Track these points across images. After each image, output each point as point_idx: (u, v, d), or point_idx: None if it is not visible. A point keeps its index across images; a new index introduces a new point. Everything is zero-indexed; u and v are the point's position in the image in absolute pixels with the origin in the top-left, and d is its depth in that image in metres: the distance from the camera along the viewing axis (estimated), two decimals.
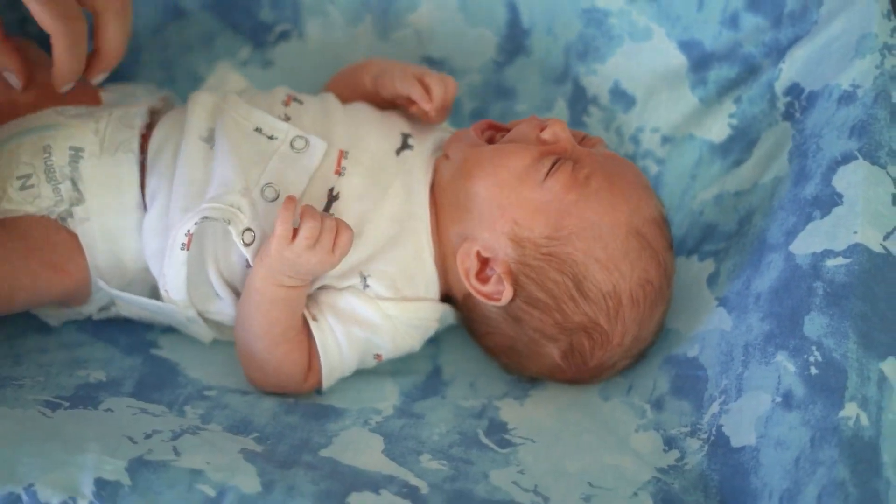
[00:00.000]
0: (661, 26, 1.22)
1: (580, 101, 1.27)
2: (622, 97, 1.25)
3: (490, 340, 1.17)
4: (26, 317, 1.19)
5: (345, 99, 1.21)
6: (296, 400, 1.15)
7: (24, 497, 0.96)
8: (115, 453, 1.00)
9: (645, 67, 1.23)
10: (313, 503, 0.97)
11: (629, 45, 1.23)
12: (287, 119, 1.15)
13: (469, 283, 1.12)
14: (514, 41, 1.27)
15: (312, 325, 1.12)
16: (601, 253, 1.09)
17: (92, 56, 1.12)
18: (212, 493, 0.97)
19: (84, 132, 1.13)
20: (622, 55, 1.24)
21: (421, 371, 1.20)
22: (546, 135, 1.11)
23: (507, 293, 1.10)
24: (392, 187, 1.13)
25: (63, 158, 1.11)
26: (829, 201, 1.06)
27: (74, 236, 1.12)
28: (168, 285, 1.12)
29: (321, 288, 1.13)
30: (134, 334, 1.20)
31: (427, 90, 1.16)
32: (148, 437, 1.04)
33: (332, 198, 1.12)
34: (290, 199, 1.05)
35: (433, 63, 1.30)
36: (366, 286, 1.11)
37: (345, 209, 1.12)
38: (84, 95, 1.18)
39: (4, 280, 1.10)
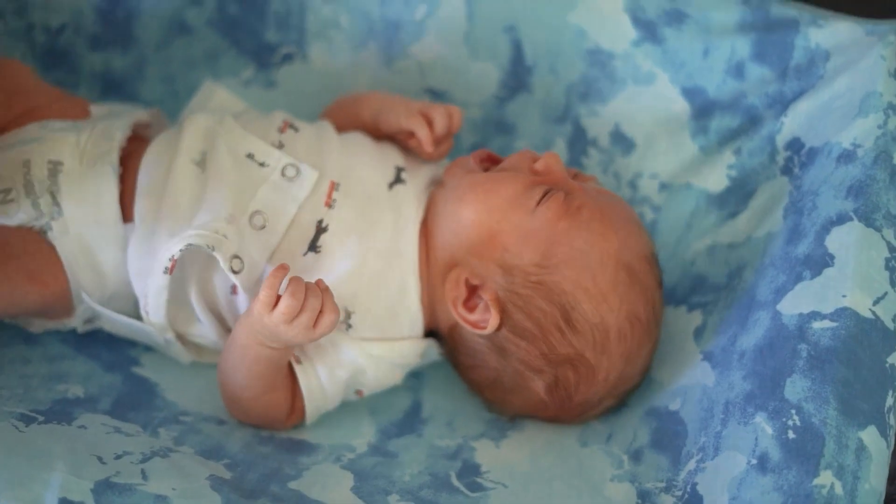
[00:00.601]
0: (665, 71, 1.20)
1: (580, 141, 1.25)
2: (622, 140, 1.23)
3: (475, 374, 1.16)
4: (13, 326, 1.19)
5: (342, 128, 1.20)
6: (270, 434, 1.15)
7: None
8: (82, 473, 1.00)
9: (647, 112, 1.22)
10: None
11: (632, 88, 1.22)
12: (280, 146, 1.14)
13: (456, 311, 1.11)
14: (517, 78, 1.26)
15: (297, 367, 1.11)
16: (590, 283, 1.08)
17: None
18: None
19: (63, 145, 1.12)
20: (624, 98, 1.23)
21: (400, 407, 1.19)
22: (539, 165, 1.11)
23: (494, 321, 1.09)
24: (381, 222, 1.12)
25: (42, 172, 1.10)
26: (820, 262, 1.04)
27: (54, 249, 1.12)
28: (149, 306, 1.11)
29: None
30: (117, 350, 1.19)
31: (430, 123, 1.15)
32: (118, 457, 1.03)
33: (320, 229, 1.11)
34: (282, 267, 1.02)
35: (435, 95, 1.29)
36: (349, 326, 1.10)
37: (332, 242, 1.11)
38: (72, 109, 1.18)
39: None
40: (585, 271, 1.08)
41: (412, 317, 1.13)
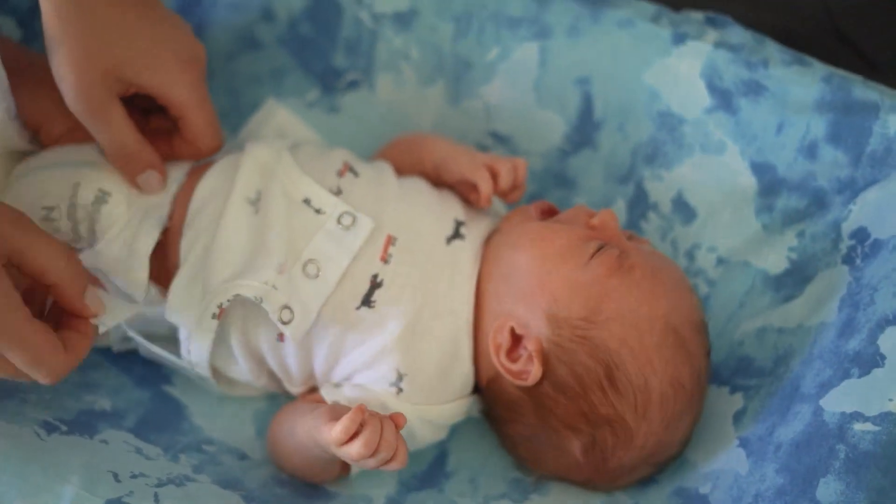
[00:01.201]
0: (735, 143, 1.16)
1: (640, 204, 1.22)
2: (684, 209, 1.20)
3: (511, 429, 1.13)
4: None
5: (401, 169, 1.19)
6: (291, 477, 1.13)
7: None
8: (95, 490, 0.99)
9: (712, 182, 1.18)
10: None
11: (700, 156, 1.18)
12: (338, 192, 1.11)
13: (498, 360, 1.08)
14: (583, 132, 1.23)
15: None
16: (636, 343, 1.05)
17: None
18: None
19: (116, 176, 1.10)
20: (691, 165, 1.19)
21: (425, 458, 1.16)
22: (595, 221, 1.11)
23: (536, 372, 1.07)
24: (437, 279, 1.10)
25: (88, 198, 1.08)
26: (870, 361, 1.00)
27: None
28: (192, 346, 1.10)
29: (358, 387, 1.09)
30: (150, 365, 1.18)
31: (495, 177, 1.14)
32: (133, 477, 1.03)
33: (374, 284, 1.08)
34: (360, 409, 0.98)
35: (498, 139, 1.26)
36: (400, 390, 1.08)
37: (386, 298, 1.08)
38: None
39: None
40: (632, 330, 1.06)
41: (465, 378, 1.10)
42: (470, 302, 1.10)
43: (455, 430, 1.18)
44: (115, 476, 1.02)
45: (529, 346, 1.07)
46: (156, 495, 1.01)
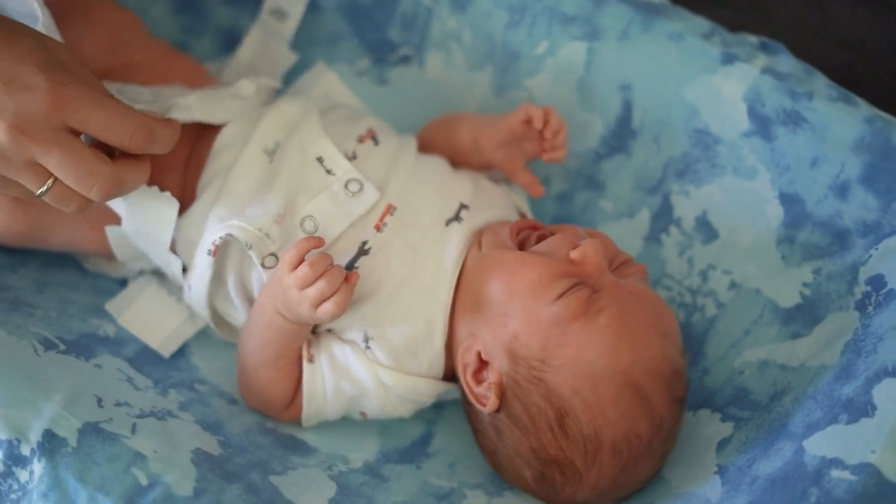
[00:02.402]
0: (768, 171, 1.14)
1: (664, 217, 1.21)
2: (706, 228, 1.18)
3: (478, 437, 1.14)
4: None
5: (435, 145, 1.19)
6: (276, 425, 1.15)
7: None
8: (76, 411, 1.02)
9: (738, 206, 1.17)
10: None
11: (730, 178, 1.17)
12: (353, 157, 1.12)
13: (464, 378, 1.08)
14: (620, 138, 1.22)
15: (306, 365, 1.11)
16: (589, 394, 1.02)
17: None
18: (144, 481, 0.99)
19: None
20: (720, 186, 1.17)
21: (410, 435, 1.18)
22: (575, 254, 1.05)
23: (492, 404, 1.06)
24: (426, 258, 1.10)
25: None
26: (860, 409, 0.98)
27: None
28: (192, 280, 1.13)
29: (328, 330, 1.12)
30: None
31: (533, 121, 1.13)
32: (117, 405, 1.06)
33: (361, 251, 1.09)
34: (318, 239, 1.04)
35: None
36: (367, 347, 1.09)
37: (370, 266, 1.09)
38: (176, 71, 1.21)
39: (45, 220, 1.13)
40: (587, 381, 1.02)
41: (433, 357, 1.10)
42: (450, 287, 1.10)
43: (445, 414, 1.19)
44: (99, 401, 1.05)
45: (491, 376, 1.06)
46: (134, 426, 1.04)
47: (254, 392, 1.14)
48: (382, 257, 1.09)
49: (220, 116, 1.14)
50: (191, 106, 1.10)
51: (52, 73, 0.95)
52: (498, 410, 1.07)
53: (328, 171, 1.11)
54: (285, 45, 1.31)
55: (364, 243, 1.09)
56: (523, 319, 1.04)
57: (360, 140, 1.14)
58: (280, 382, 1.12)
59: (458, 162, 1.20)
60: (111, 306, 1.18)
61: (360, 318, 1.08)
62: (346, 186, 1.10)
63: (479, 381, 1.07)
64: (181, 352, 1.19)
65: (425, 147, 1.21)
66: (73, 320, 1.15)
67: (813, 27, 1.35)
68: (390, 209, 1.11)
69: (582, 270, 1.04)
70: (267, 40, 1.31)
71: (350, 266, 1.09)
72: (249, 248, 1.08)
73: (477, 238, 1.12)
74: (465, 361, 1.08)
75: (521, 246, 1.09)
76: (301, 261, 1.03)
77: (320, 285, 1.02)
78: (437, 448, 1.17)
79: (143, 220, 1.12)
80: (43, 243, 1.16)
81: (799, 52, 1.20)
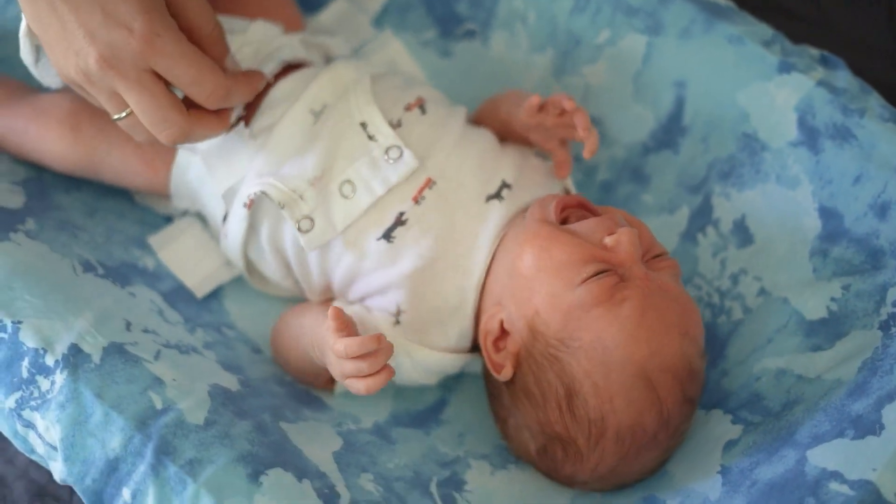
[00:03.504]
0: (811, 182, 1.14)
1: (703, 217, 1.21)
2: (743, 232, 1.19)
3: (491, 402, 1.16)
4: None
5: (483, 120, 1.21)
6: (293, 380, 1.18)
7: (8, 328, 1.04)
8: (104, 331, 1.06)
9: (777, 214, 1.17)
10: (234, 458, 1.00)
11: (773, 186, 1.17)
12: (398, 125, 1.13)
13: (484, 345, 1.10)
14: (669, 134, 1.23)
15: None
16: (601, 380, 1.03)
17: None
18: (159, 405, 1.02)
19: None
20: (761, 192, 1.17)
21: (424, 400, 1.20)
22: (609, 241, 1.05)
23: (507, 373, 1.08)
24: (463, 233, 1.11)
25: None
26: (868, 427, 0.98)
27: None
28: (228, 229, 1.17)
29: (364, 307, 1.13)
30: None
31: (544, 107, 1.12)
32: (145, 331, 1.09)
33: (399, 221, 1.11)
34: (378, 338, 1.01)
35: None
36: (398, 322, 1.11)
37: (406, 238, 1.10)
38: (283, 10, 1.25)
39: (99, 152, 1.18)
40: (601, 367, 1.03)
41: (463, 331, 1.12)
42: (484, 264, 1.11)
43: (462, 384, 1.21)
44: (128, 325, 1.08)
45: (510, 346, 1.08)
46: (158, 353, 1.07)
47: (292, 374, 1.18)
48: (419, 230, 1.11)
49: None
50: (295, 46, 1.15)
51: (150, 17, 0.98)
52: (512, 380, 1.09)
53: (370, 137, 1.13)
54: (368, 21, 1.34)
55: (401, 214, 1.11)
56: (547, 297, 1.05)
57: (408, 108, 1.15)
58: (321, 378, 1.15)
59: (508, 137, 1.21)
60: (153, 240, 1.22)
61: (393, 291, 1.10)
62: (386, 153, 1.12)
63: (498, 349, 1.09)
64: (215, 294, 1.22)
65: (480, 121, 1.22)
66: (117, 248, 1.19)
67: (882, 49, 1.34)
68: (430, 183, 1.12)
69: (613, 257, 1.05)
70: (351, 11, 1.34)
71: (388, 235, 1.11)
72: (282, 208, 1.10)
73: (520, 214, 1.12)
74: (488, 328, 1.09)
75: (564, 223, 1.09)
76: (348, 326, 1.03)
77: (360, 365, 1.01)
78: (450, 416, 1.19)
79: (218, 154, 1.16)
80: (95, 174, 1.20)
81: (863, 71, 1.19)
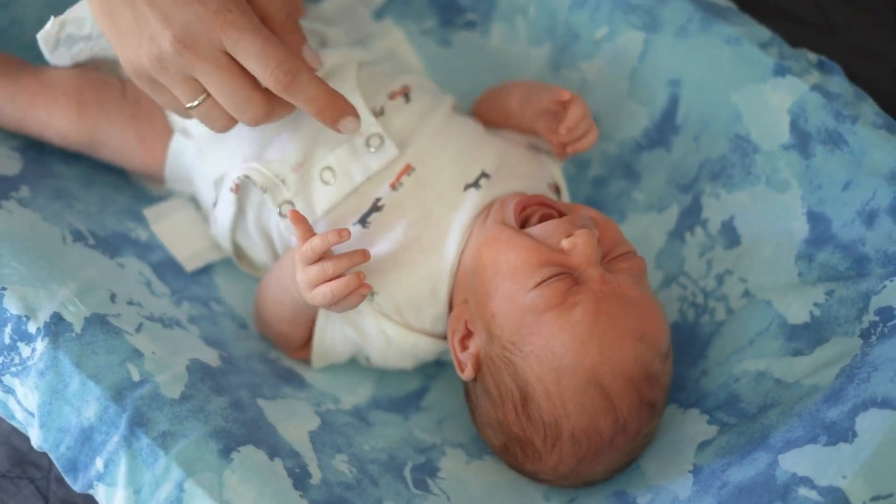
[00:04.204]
0: (800, 186, 1.14)
1: (691, 216, 1.21)
2: (730, 234, 1.18)
3: (466, 394, 1.16)
4: None
5: (484, 109, 1.21)
6: (278, 356, 1.19)
7: None
8: (87, 301, 1.07)
9: (765, 217, 1.16)
10: (207, 434, 1.01)
11: (762, 188, 1.17)
12: (381, 113, 1.14)
13: (451, 342, 1.10)
14: (662, 132, 1.23)
15: (321, 311, 1.14)
16: (553, 386, 1.03)
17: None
18: (136, 377, 1.03)
19: None
20: (750, 194, 1.17)
21: (406, 386, 1.21)
22: (565, 243, 1.04)
23: (468, 373, 1.09)
24: (438, 220, 1.11)
25: None
26: (841, 434, 0.98)
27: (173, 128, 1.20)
28: (217, 213, 1.18)
29: None
30: None
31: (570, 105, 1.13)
32: (129, 304, 1.10)
33: (374, 207, 1.12)
34: (338, 233, 1.03)
35: None
36: (373, 297, 1.11)
37: (381, 223, 1.11)
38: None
39: (100, 130, 1.19)
40: (551, 373, 1.03)
41: (437, 315, 1.13)
42: (457, 250, 1.11)
43: (443, 371, 1.22)
44: (112, 296, 1.09)
45: (471, 347, 1.08)
46: (140, 325, 1.08)
47: (269, 334, 1.19)
48: (395, 215, 1.11)
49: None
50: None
51: None
52: (475, 379, 1.10)
53: None
54: (369, 13, 1.34)
55: (378, 200, 1.12)
56: (502, 301, 1.05)
57: (391, 96, 1.16)
58: (296, 332, 1.16)
59: (506, 126, 1.21)
60: (149, 212, 1.23)
61: (367, 273, 1.10)
62: (367, 141, 1.12)
63: (463, 348, 1.10)
64: (208, 270, 1.23)
65: (477, 108, 1.23)
66: (110, 218, 1.20)
67: (883, 57, 1.34)
68: (408, 169, 1.12)
69: (568, 260, 1.04)
70: (355, 4, 1.34)
71: (363, 220, 1.11)
72: (265, 192, 1.11)
73: (489, 207, 1.12)
74: (454, 327, 1.10)
75: (524, 223, 1.09)
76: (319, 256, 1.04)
77: (324, 266, 1.03)
78: (430, 403, 1.20)
79: (209, 140, 1.17)
80: (94, 152, 1.22)
81: (860, 78, 1.19)
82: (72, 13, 1.13)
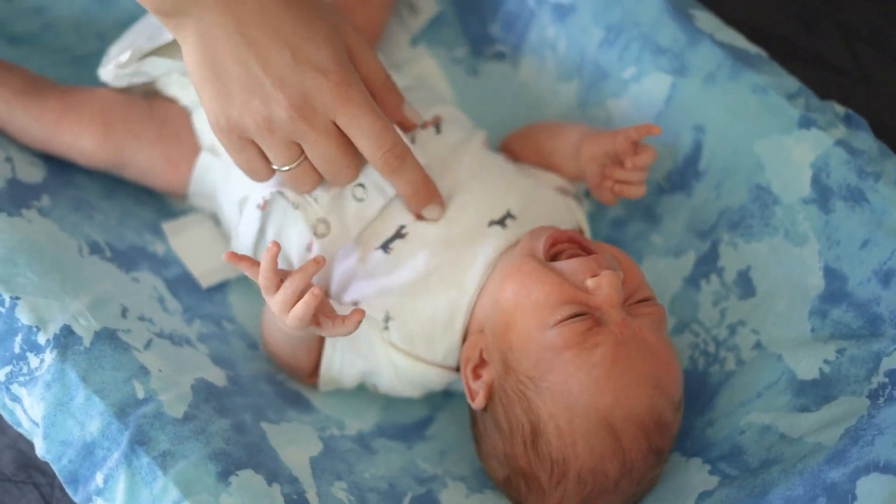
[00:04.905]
0: (818, 241, 1.13)
1: (708, 263, 1.20)
2: (745, 284, 1.17)
3: (472, 424, 1.16)
4: None
5: (525, 145, 1.22)
6: (285, 378, 1.19)
7: (6, 303, 1.06)
8: (98, 315, 1.07)
9: (782, 269, 1.15)
10: (207, 455, 1.01)
11: (780, 240, 1.16)
12: (412, 141, 1.14)
13: (463, 370, 1.10)
14: (684, 177, 1.22)
15: (328, 340, 1.14)
16: (565, 424, 1.03)
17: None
18: (140, 394, 1.03)
19: None
20: (768, 246, 1.16)
21: (412, 414, 1.21)
22: (590, 282, 1.03)
23: (479, 402, 1.08)
24: (460, 254, 1.11)
25: None
26: (841, 497, 0.97)
27: (199, 150, 1.21)
28: (240, 230, 1.18)
29: (353, 303, 1.14)
30: None
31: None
32: (141, 319, 1.11)
33: (398, 234, 1.12)
34: (316, 262, 1.02)
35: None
36: (385, 328, 1.11)
37: (403, 251, 1.12)
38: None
39: (127, 151, 1.20)
40: (566, 412, 1.02)
41: (450, 347, 1.12)
42: (478, 286, 1.11)
43: (449, 402, 1.22)
44: (124, 311, 1.10)
45: (485, 376, 1.08)
46: (149, 342, 1.09)
47: (278, 363, 1.19)
48: (417, 244, 1.12)
49: None
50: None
51: (343, 66, 0.99)
52: (485, 409, 1.09)
53: None
54: (407, 38, 1.35)
55: (402, 227, 1.12)
56: (522, 334, 1.05)
57: (423, 126, 1.16)
58: (302, 362, 1.16)
59: (543, 164, 1.22)
60: (168, 226, 1.24)
61: (384, 298, 1.11)
62: None
63: (476, 377, 1.09)
64: (220, 287, 1.24)
65: (515, 143, 1.23)
66: (129, 231, 1.21)
67: None
68: None
69: (591, 300, 1.03)
70: (393, 27, 1.35)
71: (385, 246, 1.12)
72: (296, 208, 1.11)
73: (514, 245, 1.12)
74: (468, 355, 1.10)
75: (555, 257, 1.09)
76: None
77: (285, 290, 1.01)
78: (434, 433, 1.20)
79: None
80: (119, 171, 1.22)
81: (893, 129, 1.18)
82: (144, 50, 1.13)
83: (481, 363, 1.09)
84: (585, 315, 1.03)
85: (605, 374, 1.02)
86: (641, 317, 1.05)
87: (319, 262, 1.01)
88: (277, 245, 1.01)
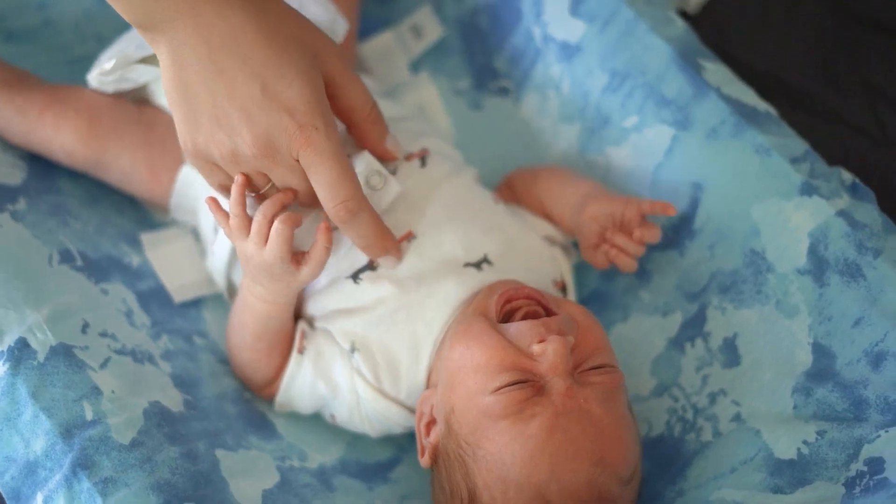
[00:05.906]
0: (810, 315, 1.07)
1: (694, 327, 1.15)
2: (731, 352, 1.12)
3: (431, 477, 1.11)
4: None
5: (529, 187, 1.18)
6: (252, 397, 1.15)
7: None
8: (57, 329, 1.05)
9: (768, 340, 1.10)
10: (149, 486, 0.99)
11: (770, 309, 1.10)
12: (393, 173, 1.10)
13: (417, 426, 1.07)
14: (677, 234, 1.17)
15: (295, 355, 1.11)
16: (499, 495, 0.98)
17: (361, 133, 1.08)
18: (89, 416, 1.01)
19: None
20: (758, 314, 1.11)
21: (377, 455, 1.17)
22: (536, 348, 0.99)
23: (424, 462, 1.05)
24: (431, 292, 1.08)
25: None
26: None
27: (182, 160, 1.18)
28: (216, 248, 1.16)
29: (325, 331, 1.11)
30: None
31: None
32: (102, 335, 1.08)
33: (370, 265, 1.09)
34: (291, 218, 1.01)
35: None
36: (353, 354, 1.09)
37: (373, 281, 1.08)
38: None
39: (109, 151, 1.17)
40: (499, 483, 0.97)
41: (413, 385, 1.09)
42: (444, 323, 1.07)
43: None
44: (85, 326, 1.07)
45: (432, 436, 1.04)
46: (107, 360, 1.06)
47: (236, 366, 1.16)
48: (387, 277, 1.08)
49: None
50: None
51: (312, 105, 0.95)
52: (432, 467, 1.06)
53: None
54: (405, 62, 1.32)
55: (372, 261, 1.09)
56: (463, 397, 1.01)
57: (407, 158, 1.13)
58: (257, 364, 1.13)
59: (537, 210, 1.18)
60: (146, 238, 1.21)
61: (350, 328, 1.08)
62: (367, 182, 1.07)
63: (427, 433, 1.06)
64: (195, 302, 1.21)
65: (520, 180, 1.20)
66: (105, 241, 1.19)
67: None
68: (409, 236, 1.09)
69: (536, 367, 0.99)
70: (395, 50, 1.32)
71: (356, 276, 1.09)
72: None
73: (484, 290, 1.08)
74: (422, 409, 1.06)
75: (509, 316, 1.04)
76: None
77: (257, 217, 1.01)
78: (398, 476, 1.16)
79: None
80: (101, 173, 1.20)
81: None
82: (129, 59, 1.12)
83: (433, 420, 1.05)
84: (526, 382, 0.98)
85: (539, 447, 0.96)
86: (591, 385, 0.99)
87: (288, 195, 1.00)
88: (245, 176, 0.99)
